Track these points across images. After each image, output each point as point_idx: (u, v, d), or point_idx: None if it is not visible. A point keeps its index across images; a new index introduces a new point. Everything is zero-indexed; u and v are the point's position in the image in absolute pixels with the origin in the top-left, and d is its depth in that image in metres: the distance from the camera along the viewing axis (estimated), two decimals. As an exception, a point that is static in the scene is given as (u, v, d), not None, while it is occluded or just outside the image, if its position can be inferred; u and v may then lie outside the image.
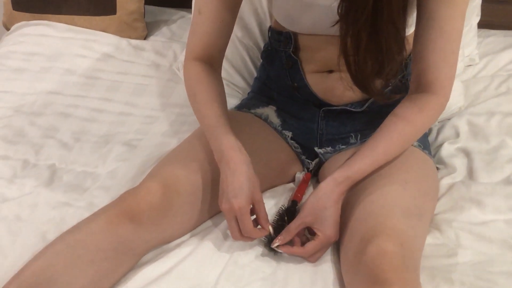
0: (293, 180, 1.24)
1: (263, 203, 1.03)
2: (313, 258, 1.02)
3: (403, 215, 0.96)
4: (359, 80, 0.94)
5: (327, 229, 1.00)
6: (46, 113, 1.41)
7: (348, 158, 1.04)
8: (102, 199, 1.15)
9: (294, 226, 1.02)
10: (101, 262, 0.95)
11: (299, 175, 1.20)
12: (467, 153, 1.21)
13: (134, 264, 1.02)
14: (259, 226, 1.03)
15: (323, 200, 1.00)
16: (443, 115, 1.32)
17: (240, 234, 1.00)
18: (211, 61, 1.14)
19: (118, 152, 1.28)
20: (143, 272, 1.00)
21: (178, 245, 1.05)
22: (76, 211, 1.13)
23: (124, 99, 1.45)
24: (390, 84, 1.08)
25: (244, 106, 1.27)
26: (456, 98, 1.32)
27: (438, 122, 1.33)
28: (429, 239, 1.04)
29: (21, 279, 0.92)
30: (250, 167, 1.02)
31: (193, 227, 1.09)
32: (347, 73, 0.95)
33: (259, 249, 1.05)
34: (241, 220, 0.99)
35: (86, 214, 1.03)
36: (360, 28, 0.82)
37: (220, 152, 1.03)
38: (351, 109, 1.16)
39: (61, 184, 1.21)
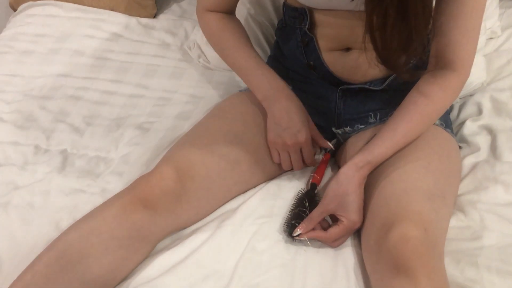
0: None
1: (316, 128, 1.12)
2: (335, 243, 1.00)
3: (426, 198, 0.93)
4: (385, 57, 0.89)
5: (351, 214, 0.98)
6: (56, 97, 1.37)
7: (368, 141, 1.02)
8: (115, 185, 1.13)
9: (316, 214, 0.99)
10: (116, 251, 0.93)
11: (317, 157, 1.17)
12: (490, 131, 1.17)
13: (149, 251, 1.00)
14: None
15: (344, 185, 0.98)
16: (465, 92, 1.27)
17: (302, 163, 1.10)
18: (225, 12, 1.14)
19: (130, 136, 1.25)
20: (159, 260, 0.98)
21: (194, 232, 1.03)
22: (90, 198, 1.12)
23: (135, 80, 1.42)
24: (413, 61, 1.04)
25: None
26: (478, 73, 1.27)
27: (460, 98, 1.28)
28: (453, 222, 1.01)
29: (35, 269, 0.90)
30: (299, 100, 1.09)
31: (209, 212, 1.07)
32: (367, 51, 0.91)
33: (278, 235, 1.02)
34: (306, 151, 1.09)
35: (100, 201, 1.01)
36: (388, 4, 0.78)
37: (265, 90, 1.08)
38: (370, 87, 1.11)
39: (73, 170, 1.18)
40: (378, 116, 1.13)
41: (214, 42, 1.15)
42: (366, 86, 1.11)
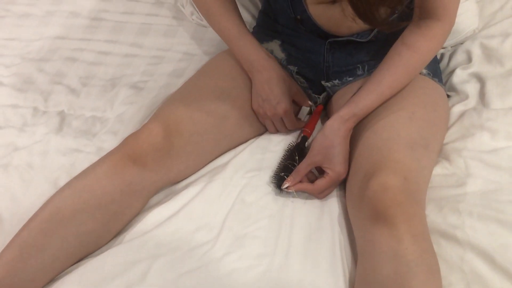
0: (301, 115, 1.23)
1: (300, 90, 1.16)
2: (322, 195, 1.02)
3: (408, 147, 0.94)
4: (360, 10, 0.89)
5: (336, 166, 1.00)
6: (53, 59, 1.40)
7: (354, 94, 1.03)
8: (110, 143, 1.16)
9: (303, 167, 1.02)
10: (108, 206, 0.97)
11: (306, 109, 1.18)
12: (480, 78, 1.16)
13: (143, 206, 1.04)
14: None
15: (330, 138, 1.00)
16: (456, 39, 1.26)
17: (286, 129, 1.14)
18: None
19: (125, 95, 1.27)
20: (152, 214, 1.02)
21: (186, 186, 1.06)
22: (86, 157, 1.15)
23: (129, 40, 1.43)
24: (397, 12, 1.03)
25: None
26: (470, 19, 1.26)
27: (451, 47, 1.28)
28: (438, 170, 1.02)
29: (32, 226, 0.94)
30: (281, 68, 1.12)
31: (199, 166, 1.10)
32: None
33: (267, 187, 1.05)
34: (287, 119, 1.12)
35: (95, 159, 1.04)
36: None
37: (249, 62, 1.10)
38: (357, 39, 1.11)
39: (70, 131, 1.22)
40: (366, 68, 1.13)
41: (201, 8, 1.14)
42: (353, 38, 1.11)
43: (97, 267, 0.94)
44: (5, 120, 1.25)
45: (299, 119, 1.17)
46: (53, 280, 0.95)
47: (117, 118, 1.22)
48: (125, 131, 1.18)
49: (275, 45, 1.21)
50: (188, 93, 1.10)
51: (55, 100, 1.29)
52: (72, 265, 0.97)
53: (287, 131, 1.15)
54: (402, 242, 0.82)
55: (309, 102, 1.16)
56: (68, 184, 0.99)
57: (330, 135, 1.00)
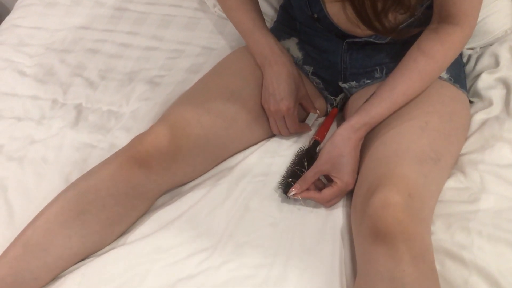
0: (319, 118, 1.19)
1: (308, 96, 1.12)
2: (329, 203, 1.00)
3: (416, 161, 0.90)
4: (364, 16, 0.85)
5: (344, 176, 0.97)
6: (75, 50, 1.41)
7: (366, 101, 0.98)
8: (123, 141, 1.16)
9: (310, 175, 0.99)
10: (112, 207, 0.97)
11: (313, 115, 1.14)
12: (506, 84, 1.09)
13: (147, 208, 1.04)
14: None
15: (339, 147, 0.97)
16: (486, 40, 1.20)
17: (287, 130, 1.10)
18: None
19: (141, 91, 1.27)
20: (155, 216, 1.02)
21: (192, 189, 1.05)
22: (99, 153, 1.16)
23: (150, 32, 1.42)
24: (412, 18, 0.98)
25: (267, 37, 1.21)
26: (502, 20, 1.19)
27: (480, 48, 1.21)
28: (451, 183, 0.98)
29: (36, 225, 0.95)
30: (293, 67, 1.10)
31: (206, 170, 1.08)
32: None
33: (272, 194, 1.03)
34: (288, 119, 1.08)
35: (108, 156, 1.04)
36: None
37: (262, 56, 1.09)
38: (375, 40, 1.07)
39: (86, 125, 1.22)
40: (385, 71, 1.09)
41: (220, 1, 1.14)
42: (371, 40, 1.07)
43: (98, 268, 0.95)
44: (25, 111, 1.27)
45: (306, 124, 1.14)
46: (55, 278, 0.96)
47: (131, 114, 1.22)
48: (138, 129, 1.18)
49: (292, 43, 1.17)
50: (197, 94, 1.08)
51: (74, 93, 1.30)
52: (75, 264, 0.98)
53: (289, 133, 1.11)
54: (400, 263, 0.79)
55: (317, 110, 1.13)
56: (73, 184, 1.00)
57: (340, 144, 0.97)
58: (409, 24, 0.99)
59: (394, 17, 0.91)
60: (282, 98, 1.06)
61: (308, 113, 1.17)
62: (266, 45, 1.09)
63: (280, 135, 1.12)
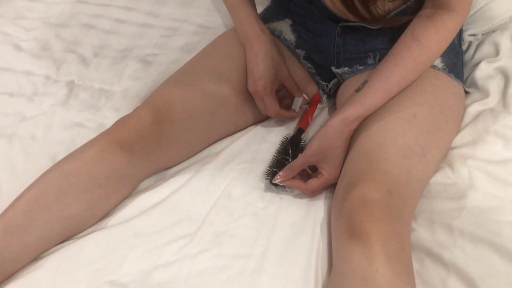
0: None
1: (291, 78, 1.08)
2: (312, 194, 0.98)
3: (400, 155, 0.87)
4: (348, 3, 0.82)
5: (332, 169, 0.95)
6: (71, 25, 1.39)
7: (358, 90, 0.95)
8: (111, 120, 1.12)
9: (297, 165, 0.96)
10: (93, 190, 0.96)
11: (298, 99, 1.11)
12: (506, 75, 1.05)
13: (130, 191, 1.03)
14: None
15: (332, 140, 0.94)
16: (489, 26, 1.14)
17: (267, 111, 1.06)
18: None
19: (133, 69, 1.25)
20: (138, 200, 1.01)
21: (177, 173, 1.04)
22: (87, 133, 1.15)
23: (146, 8, 1.40)
24: (405, 5, 0.94)
25: (261, 17, 1.17)
26: (507, 4, 1.13)
27: (482, 34, 1.15)
28: (438, 177, 0.94)
29: (17, 206, 0.95)
30: (273, 47, 1.06)
31: (191, 154, 1.07)
32: None
33: (256, 181, 1.01)
34: (267, 100, 1.04)
35: (94, 136, 1.03)
36: None
37: (243, 34, 1.07)
38: (368, 25, 1.03)
39: (76, 103, 1.21)
40: (378, 57, 1.05)
41: None
42: (364, 24, 1.03)
43: (77, 251, 0.94)
44: (18, 87, 1.26)
45: (291, 111, 1.10)
46: (35, 259, 0.96)
47: (122, 93, 1.21)
48: (127, 109, 1.16)
49: (285, 25, 1.14)
50: (185, 76, 1.06)
51: (67, 69, 1.29)
52: (56, 245, 0.98)
53: (272, 114, 1.06)
54: (374, 263, 0.76)
55: (302, 93, 1.09)
56: (55, 166, 0.99)
57: (333, 137, 0.94)
58: (400, 12, 0.94)
59: (383, 5, 0.88)
60: (260, 77, 1.03)
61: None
62: (248, 23, 1.06)
63: (271, 117, 1.11)
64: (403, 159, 0.87)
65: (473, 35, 1.16)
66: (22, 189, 0.98)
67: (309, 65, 1.12)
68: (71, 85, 1.25)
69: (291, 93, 1.09)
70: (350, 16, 0.99)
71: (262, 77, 1.02)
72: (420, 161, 0.89)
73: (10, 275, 0.93)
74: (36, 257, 0.96)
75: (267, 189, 1.00)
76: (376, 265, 0.76)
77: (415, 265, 0.84)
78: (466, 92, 1.06)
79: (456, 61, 1.04)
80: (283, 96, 1.11)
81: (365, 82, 0.95)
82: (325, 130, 0.95)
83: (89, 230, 0.99)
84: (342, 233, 0.82)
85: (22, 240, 0.93)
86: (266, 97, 1.03)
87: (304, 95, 1.09)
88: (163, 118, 0.99)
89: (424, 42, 0.91)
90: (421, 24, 0.92)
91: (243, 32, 1.07)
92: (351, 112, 0.94)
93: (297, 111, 1.09)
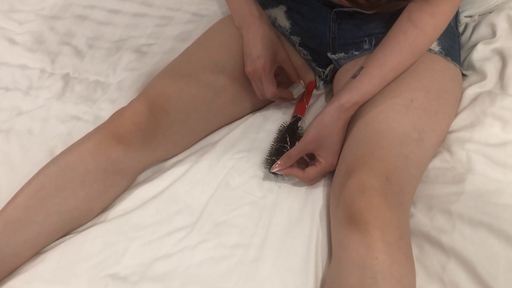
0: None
1: (290, 61, 1.06)
2: (311, 182, 0.98)
3: (397, 142, 0.87)
4: None
5: (329, 156, 0.94)
6: (65, 17, 1.38)
7: (354, 76, 0.94)
8: (108, 112, 1.14)
9: (295, 153, 0.96)
10: (91, 184, 0.96)
11: (296, 85, 1.10)
12: (502, 56, 1.04)
13: (129, 184, 1.03)
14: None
15: (328, 127, 0.94)
16: (486, 7, 1.13)
17: (263, 93, 1.04)
18: None
19: (128, 60, 1.24)
20: (136, 193, 1.01)
21: (174, 164, 1.04)
22: (84, 125, 1.14)
23: (140, -3, 1.39)
24: None
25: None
26: (504, -15, 1.12)
27: (479, 16, 1.14)
28: (436, 162, 0.94)
29: (16, 201, 0.95)
30: (272, 29, 1.05)
31: (189, 145, 1.06)
32: None
33: (254, 170, 1.01)
34: (265, 80, 1.01)
35: (91, 129, 1.02)
36: None
37: (240, 17, 1.06)
38: (363, 10, 1.02)
39: (72, 96, 1.21)
40: (373, 42, 1.04)
41: None
42: (358, 9, 1.02)
43: (77, 245, 0.95)
44: (13, 81, 1.26)
45: (288, 91, 1.09)
46: (36, 254, 0.96)
47: (118, 85, 1.20)
48: (122, 100, 1.16)
49: (280, 12, 1.13)
50: (180, 67, 1.05)
51: (61, 62, 1.28)
52: (55, 240, 0.98)
53: (269, 96, 1.04)
54: (373, 250, 0.77)
55: (300, 80, 1.08)
56: (53, 160, 0.99)
57: (329, 124, 0.93)
58: None
59: None
60: (258, 56, 1.01)
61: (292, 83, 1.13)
62: (245, 5, 1.05)
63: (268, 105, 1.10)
64: (400, 145, 0.86)
65: (470, 16, 1.15)
66: (20, 184, 0.98)
67: (305, 51, 1.11)
68: (66, 77, 1.25)
69: (289, 76, 1.08)
70: (344, 2, 0.99)
71: (261, 56, 1.01)
72: (417, 147, 0.88)
73: (11, 271, 0.94)
74: (36, 252, 0.97)
75: (265, 178, 1.00)
76: (375, 252, 0.76)
77: (415, 251, 0.84)
78: (464, 75, 1.05)
79: (453, 43, 1.03)
80: (280, 82, 1.10)
81: (361, 68, 0.95)
82: (322, 117, 0.94)
83: (88, 223, 0.99)
84: (341, 221, 0.82)
85: (22, 236, 0.93)
86: (265, 76, 1.01)
87: (302, 81, 1.08)
88: (158, 109, 0.99)
89: (420, 26, 0.90)
90: (417, 8, 0.90)
91: (240, 15, 1.05)
92: (347, 99, 0.93)
93: (295, 97, 1.08)
